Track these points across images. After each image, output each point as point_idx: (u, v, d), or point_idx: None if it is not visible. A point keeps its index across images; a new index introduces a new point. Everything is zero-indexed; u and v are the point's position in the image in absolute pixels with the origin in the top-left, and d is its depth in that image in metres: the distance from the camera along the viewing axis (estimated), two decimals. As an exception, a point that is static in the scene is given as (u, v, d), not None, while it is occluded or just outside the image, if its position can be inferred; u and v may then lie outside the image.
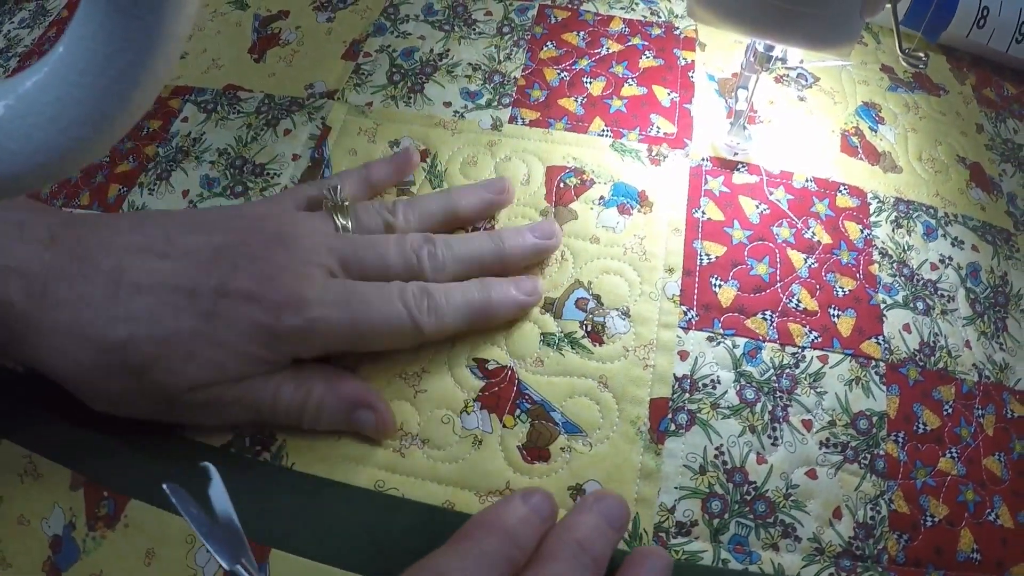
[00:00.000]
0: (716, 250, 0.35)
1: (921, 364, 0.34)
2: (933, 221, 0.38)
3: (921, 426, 0.33)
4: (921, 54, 0.34)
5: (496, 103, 0.38)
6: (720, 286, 0.34)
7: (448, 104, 0.38)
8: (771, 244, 0.35)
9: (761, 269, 0.35)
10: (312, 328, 0.28)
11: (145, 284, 0.27)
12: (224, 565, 0.22)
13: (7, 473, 0.32)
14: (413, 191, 0.36)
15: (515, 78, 0.39)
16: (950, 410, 0.34)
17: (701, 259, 0.34)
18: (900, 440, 0.33)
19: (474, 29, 0.41)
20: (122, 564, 0.30)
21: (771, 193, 0.37)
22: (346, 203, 0.33)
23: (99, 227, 0.29)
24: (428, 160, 0.37)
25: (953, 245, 0.38)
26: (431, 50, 0.40)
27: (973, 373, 0.35)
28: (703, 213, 0.36)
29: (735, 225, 0.35)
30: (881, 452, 0.32)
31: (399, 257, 0.31)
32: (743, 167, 0.37)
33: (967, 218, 0.39)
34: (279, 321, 0.28)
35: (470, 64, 0.40)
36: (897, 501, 0.32)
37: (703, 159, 0.37)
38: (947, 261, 0.37)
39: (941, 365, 0.35)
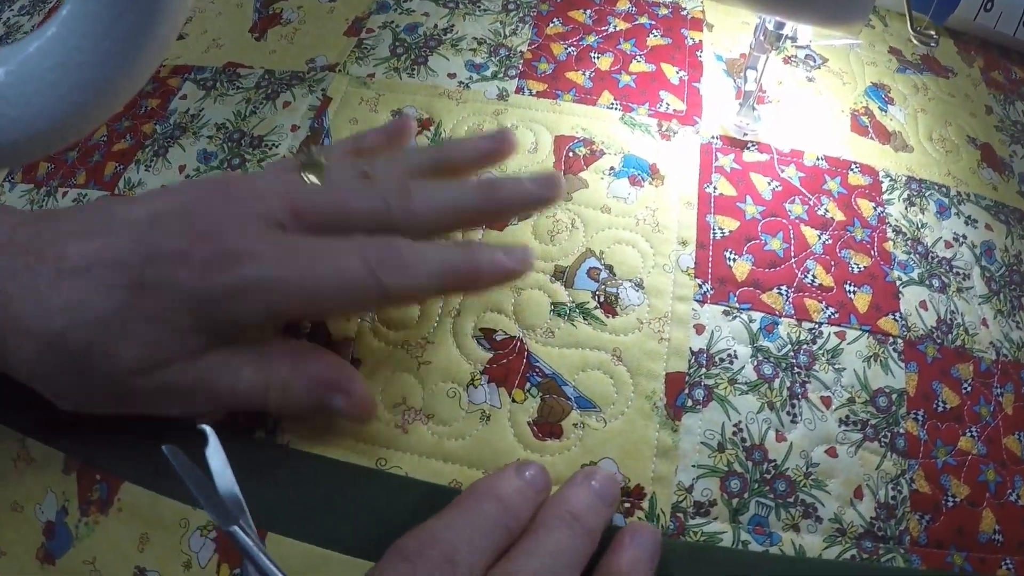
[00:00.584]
0: (730, 224, 0.34)
1: (939, 341, 0.34)
2: (946, 200, 0.38)
3: (940, 404, 0.33)
4: (932, 33, 0.34)
5: (502, 75, 0.38)
6: (735, 260, 0.33)
7: (453, 75, 0.38)
8: (784, 220, 0.35)
9: (775, 244, 0.34)
10: (246, 287, 0.24)
11: (81, 266, 0.24)
12: (222, 526, 0.21)
13: (1, 459, 0.31)
14: (413, 162, 0.36)
15: (521, 52, 0.39)
16: (969, 388, 0.33)
17: (715, 233, 0.34)
18: (920, 418, 0.32)
19: (479, 6, 0.41)
20: (115, 550, 0.29)
21: (782, 171, 0.36)
22: (320, 160, 0.29)
23: (55, 219, 0.26)
24: (432, 128, 0.36)
25: (967, 224, 0.37)
26: (435, 25, 0.40)
27: (991, 351, 0.35)
28: (715, 188, 0.35)
29: (747, 201, 0.35)
30: (901, 430, 0.31)
31: (364, 204, 0.27)
32: (753, 146, 0.37)
33: (979, 197, 0.38)
34: (206, 280, 0.24)
35: (475, 39, 0.39)
36: (918, 481, 0.31)
37: (713, 137, 0.37)
38: (961, 239, 0.37)
39: (959, 343, 0.34)
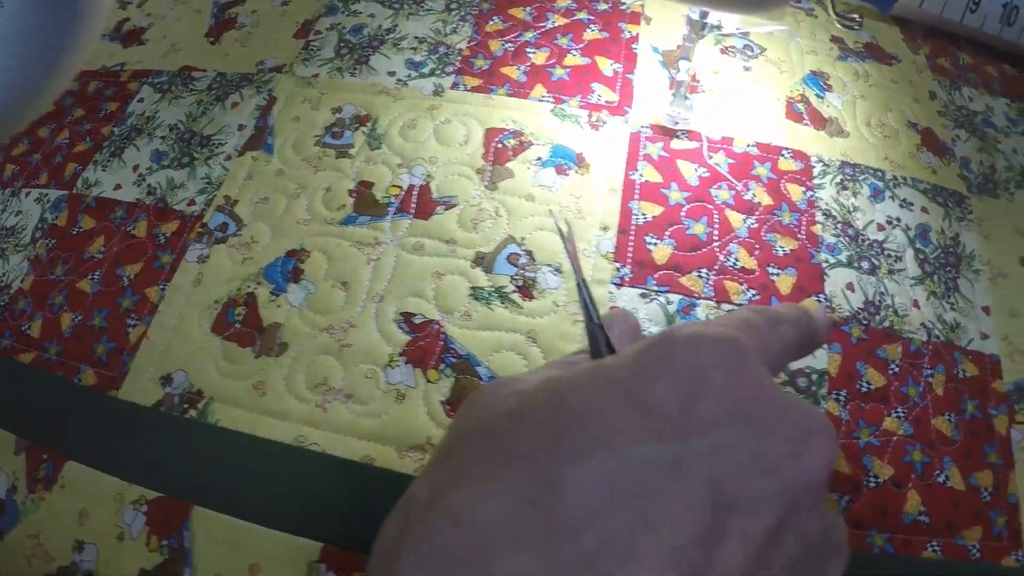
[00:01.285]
0: (653, 210, 0.35)
1: (865, 322, 0.34)
2: (881, 183, 0.38)
3: (865, 384, 0.33)
4: (856, 15, 0.34)
5: (440, 72, 0.39)
6: (655, 244, 0.34)
7: (392, 73, 0.39)
8: (709, 205, 0.35)
9: (698, 229, 0.34)
10: None
11: None
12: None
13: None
14: (352, 153, 0.37)
15: (459, 49, 0.40)
16: (896, 369, 0.33)
17: (637, 218, 0.34)
18: (842, 399, 0.32)
19: (423, 6, 0.42)
20: (58, 524, 0.30)
21: (710, 157, 0.36)
22: None
23: None
24: (369, 124, 0.37)
25: (901, 207, 0.37)
26: (380, 26, 0.41)
27: (922, 332, 0.34)
28: (641, 175, 0.36)
29: (672, 187, 0.35)
30: (822, 411, 0.32)
31: None
32: (683, 134, 0.37)
33: (917, 181, 0.38)
34: None
35: (416, 38, 0.40)
36: (838, 461, 0.31)
37: (643, 126, 0.37)
38: (895, 222, 0.37)
39: (887, 324, 0.34)
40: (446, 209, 0.35)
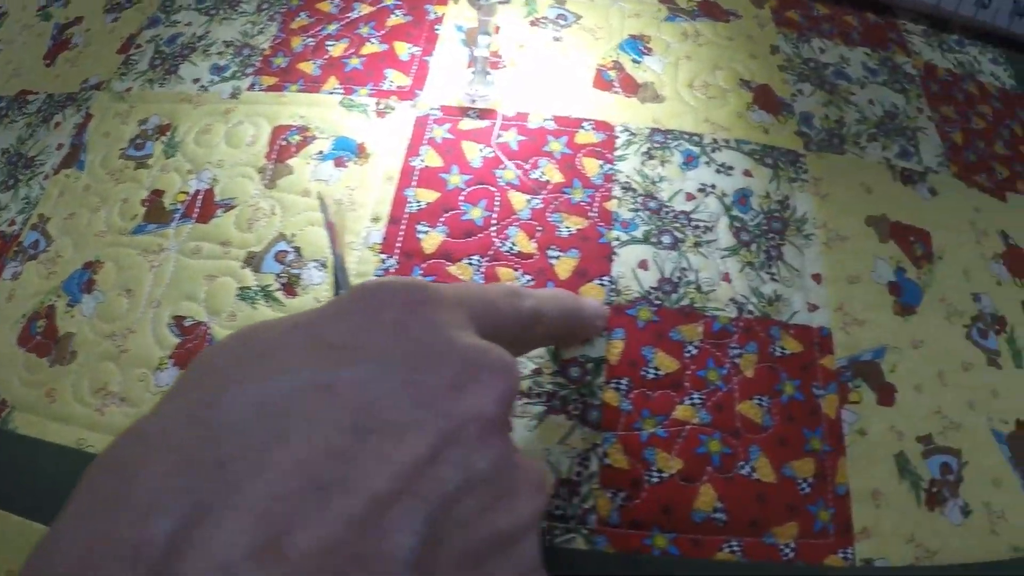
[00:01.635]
0: (429, 196, 0.33)
1: (658, 303, 0.31)
2: (696, 149, 0.34)
3: (652, 371, 0.30)
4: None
5: (240, 74, 0.38)
6: (427, 232, 0.32)
7: (197, 80, 0.39)
8: (492, 187, 0.33)
9: (475, 213, 0.32)
10: None
11: None
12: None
13: None
14: (150, 163, 0.37)
15: (262, 49, 0.39)
16: (694, 351, 0.30)
17: (411, 206, 0.32)
18: (623, 387, 0.29)
19: (236, 9, 0.41)
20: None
21: (499, 136, 0.34)
22: None
23: None
24: (168, 133, 0.37)
25: (718, 172, 0.34)
26: (194, 34, 0.41)
27: (731, 308, 0.31)
28: (422, 161, 0.34)
29: (453, 171, 0.33)
30: (596, 401, 0.29)
31: None
32: (474, 113, 0.35)
33: (742, 143, 0.35)
34: None
35: (224, 42, 0.40)
36: (613, 455, 0.28)
37: (432, 108, 0.35)
38: (708, 189, 0.33)
39: (686, 302, 0.31)
40: (226, 211, 0.34)
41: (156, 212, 0.35)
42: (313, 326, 0.17)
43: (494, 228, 0.32)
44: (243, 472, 0.14)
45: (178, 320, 0.32)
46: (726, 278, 0.32)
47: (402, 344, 0.17)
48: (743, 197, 0.33)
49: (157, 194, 0.36)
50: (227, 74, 0.39)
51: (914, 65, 0.41)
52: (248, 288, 0.32)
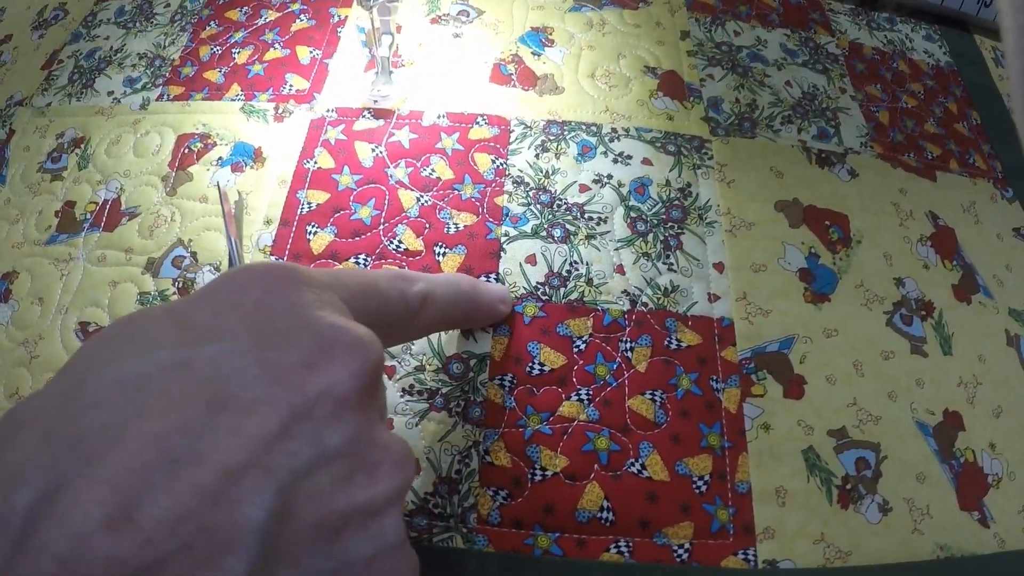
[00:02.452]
0: (319, 198, 0.32)
1: (545, 298, 0.30)
2: (594, 139, 0.33)
3: (537, 367, 0.29)
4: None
5: (151, 85, 0.38)
6: (316, 233, 0.31)
7: (111, 93, 0.39)
8: (382, 186, 0.32)
9: (364, 213, 0.32)
10: None
11: None
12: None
13: None
14: (64, 175, 0.37)
15: (172, 60, 0.39)
16: (582, 346, 0.29)
17: (302, 208, 0.32)
18: (507, 384, 0.28)
19: (152, 22, 0.42)
20: None
21: (391, 135, 0.34)
22: None
23: None
24: (83, 146, 0.38)
25: (616, 162, 0.33)
26: (111, 47, 0.41)
27: (623, 301, 0.30)
28: (315, 163, 0.33)
29: (344, 171, 0.33)
30: (479, 398, 0.28)
31: None
32: (369, 113, 0.35)
33: (643, 130, 0.34)
34: None
35: (138, 54, 0.40)
36: (495, 453, 0.27)
37: (328, 110, 0.35)
38: (604, 180, 0.33)
39: (574, 296, 0.30)
40: (130, 219, 0.34)
41: (68, 222, 0.36)
42: (177, 308, 0.18)
43: (382, 227, 0.31)
44: (100, 446, 0.14)
45: (83, 326, 0.32)
46: (619, 270, 0.31)
47: (261, 323, 0.17)
48: (641, 186, 0.32)
49: (70, 205, 0.36)
50: (138, 86, 0.39)
51: (838, 44, 0.39)
52: (147, 293, 0.32)
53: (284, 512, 0.16)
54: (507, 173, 0.32)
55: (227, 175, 0.34)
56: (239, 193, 0.31)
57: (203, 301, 0.18)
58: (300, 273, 0.19)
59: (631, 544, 0.26)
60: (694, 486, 0.27)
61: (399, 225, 0.31)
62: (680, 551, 0.27)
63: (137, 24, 0.42)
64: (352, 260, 0.30)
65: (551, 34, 0.37)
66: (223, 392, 0.16)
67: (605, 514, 0.27)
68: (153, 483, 0.14)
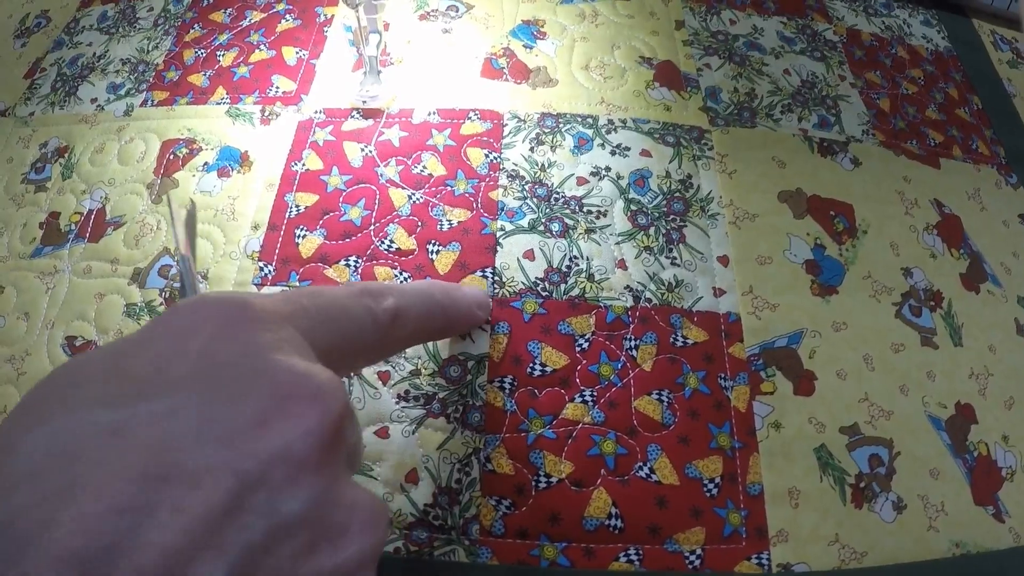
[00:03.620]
0: (308, 200, 0.31)
1: (545, 294, 0.29)
2: (590, 131, 0.33)
3: (538, 368, 0.28)
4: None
5: (134, 91, 0.37)
6: (305, 236, 0.30)
7: (94, 100, 0.38)
8: (372, 186, 0.31)
9: (354, 213, 0.31)
10: None
11: None
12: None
13: None
14: (48, 186, 0.36)
15: (156, 64, 0.38)
16: (585, 345, 0.28)
17: (290, 211, 0.31)
18: (507, 387, 0.27)
19: (135, 27, 0.41)
20: None
21: (381, 134, 0.33)
22: None
23: None
24: (66, 155, 0.36)
25: (614, 154, 0.32)
26: (94, 54, 0.40)
27: (626, 297, 0.29)
28: (303, 165, 0.32)
29: (333, 172, 0.32)
30: (478, 403, 0.27)
31: None
32: (358, 113, 0.34)
33: (640, 121, 0.33)
34: None
35: (121, 60, 0.39)
36: (497, 460, 0.26)
37: (316, 111, 0.34)
38: (602, 172, 0.32)
39: (575, 292, 0.29)
40: (115, 229, 0.33)
41: (52, 234, 0.34)
42: (118, 355, 0.16)
43: (373, 227, 0.30)
44: (30, 532, 0.13)
45: (70, 340, 0.31)
46: (621, 265, 0.30)
47: (207, 373, 0.15)
48: (640, 179, 0.31)
49: (54, 216, 0.35)
50: (122, 92, 0.38)
51: (835, 31, 0.39)
52: (134, 304, 0.31)
53: None
54: (501, 167, 0.31)
55: (213, 180, 0.33)
56: (191, 201, 0.30)
57: (146, 346, 0.16)
58: (254, 309, 0.17)
59: (641, 552, 0.25)
60: (705, 489, 0.26)
61: (390, 224, 0.30)
62: (692, 557, 0.25)
63: (120, 29, 0.41)
64: (343, 262, 0.29)
65: (543, 27, 0.36)
66: (162, 461, 0.14)
67: (613, 521, 0.26)
68: None
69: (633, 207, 0.31)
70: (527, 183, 0.31)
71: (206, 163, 0.33)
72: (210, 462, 0.14)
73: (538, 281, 0.29)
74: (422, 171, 0.31)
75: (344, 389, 0.16)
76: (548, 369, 0.27)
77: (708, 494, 0.26)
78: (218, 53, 0.38)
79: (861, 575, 0.26)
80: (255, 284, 0.29)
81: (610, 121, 0.33)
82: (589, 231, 0.30)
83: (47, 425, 0.14)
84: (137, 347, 0.16)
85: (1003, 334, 0.32)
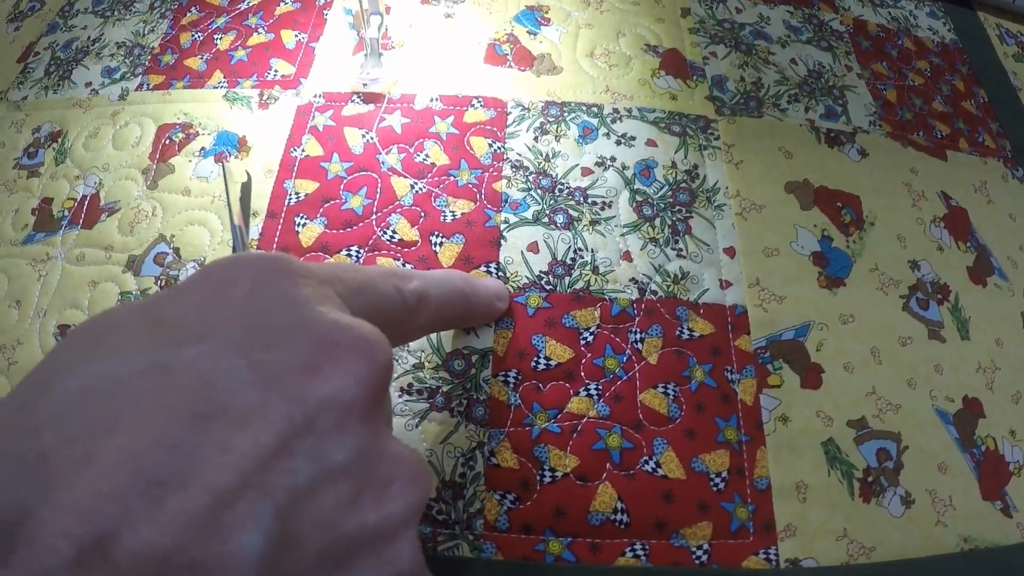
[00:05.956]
0: (308, 187, 0.30)
1: (549, 287, 0.28)
2: (594, 120, 0.32)
3: (543, 361, 0.27)
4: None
5: (130, 75, 0.36)
6: (305, 225, 0.30)
7: (89, 84, 0.37)
8: (374, 174, 0.31)
9: (355, 202, 0.30)
10: None
11: None
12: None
13: None
14: (41, 171, 0.35)
15: (152, 48, 0.37)
16: (590, 338, 0.28)
17: (290, 199, 0.30)
18: (511, 380, 0.27)
19: (131, 10, 0.40)
20: None
21: (383, 120, 0.32)
22: None
23: None
24: (60, 140, 0.36)
25: (619, 144, 0.31)
26: (88, 37, 0.39)
27: (631, 290, 0.29)
28: (303, 151, 0.31)
29: (334, 159, 0.31)
30: (482, 396, 0.26)
31: None
32: (358, 97, 0.33)
33: (646, 111, 0.32)
34: None
35: (116, 43, 0.38)
36: (501, 454, 0.26)
37: (316, 95, 0.33)
38: (607, 163, 0.31)
39: (580, 285, 0.28)
40: (109, 215, 0.32)
41: (45, 220, 0.34)
42: (155, 304, 0.15)
43: (375, 217, 0.29)
44: (66, 466, 0.12)
45: (62, 329, 0.30)
46: (626, 257, 0.29)
47: (251, 319, 0.15)
48: (646, 169, 0.31)
49: (47, 202, 0.34)
50: (117, 76, 0.37)
51: (842, 21, 0.38)
52: (129, 293, 0.30)
53: (284, 540, 0.13)
54: (505, 157, 0.31)
55: (210, 166, 0.32)
56: (247, 174, 0.29)
57: (185, 295, 0.16)
58: (295, 265, 0.17)
59: (647, 547, 0.25)
60: (711, 483, 0.26)
61: (393, 214, 0.29)
62: (699, 552, 0.25)
63: (116, 12, 0.40)
64: (344, 252, 0.29)
65: (547, 12, 0.35)
66: (209, 401, 0.13)
67: (619, 516, 0.25)
68: (131, 511, 0.12)
69: (638, 198, 0.30)
70: (531, 174, 0.30)
71: (203, 148, 0.33)
72: (258, 404, 0.14)
73: (542, 274, 0.28)
74: (424, 160, 0.31)
75: (388, 343, 0.16)
76: (553, 363, 0.27)
77: (715, 488, 0.26)
78: (215, 36, 0.37)
79: (870, 570, 0.26)
80: (253, 274, 0.29)
81: (615, 110, 0.32)
82: (594, 222, 0.30)
83: (84, 366, 0.14)
84: (175, 298, 0.16)
85: (1010, 328, 0.32)
